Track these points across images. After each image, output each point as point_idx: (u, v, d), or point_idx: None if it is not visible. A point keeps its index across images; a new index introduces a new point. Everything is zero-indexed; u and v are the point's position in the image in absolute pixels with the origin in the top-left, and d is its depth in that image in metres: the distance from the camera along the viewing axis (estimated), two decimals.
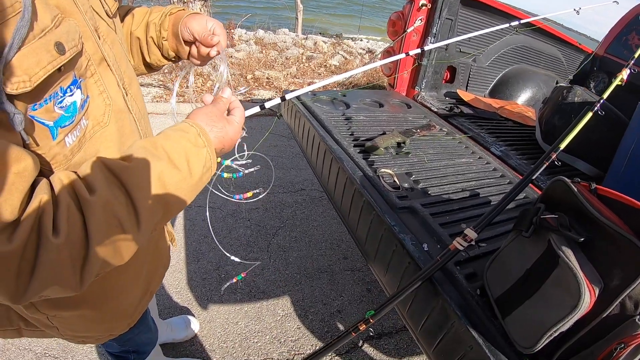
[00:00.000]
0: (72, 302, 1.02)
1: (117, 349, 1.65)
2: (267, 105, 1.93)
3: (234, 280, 1.42)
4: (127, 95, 1.00)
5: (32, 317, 1.05)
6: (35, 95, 0.66)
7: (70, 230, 0.63)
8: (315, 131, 2.03)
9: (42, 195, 0.62)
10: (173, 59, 1.29)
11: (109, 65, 0.91)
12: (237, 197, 1.17)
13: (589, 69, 4.15)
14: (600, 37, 4.28)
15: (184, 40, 1.19)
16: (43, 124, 0.70)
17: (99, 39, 0.89)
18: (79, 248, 0.65)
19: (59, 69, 0.69)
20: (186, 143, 0.81)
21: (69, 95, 0.74)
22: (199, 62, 1.24)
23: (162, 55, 1.27)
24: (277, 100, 2.11)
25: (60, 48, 0.67)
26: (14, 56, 0.60)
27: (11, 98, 0.62)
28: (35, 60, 0.63)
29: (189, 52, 1.23)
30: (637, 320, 0.95)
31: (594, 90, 3.89)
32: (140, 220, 0.72)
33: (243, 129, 1.01)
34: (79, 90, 0.77)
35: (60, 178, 0.67)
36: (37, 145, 0.71)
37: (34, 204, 0.61)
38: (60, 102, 0.72)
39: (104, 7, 0.97)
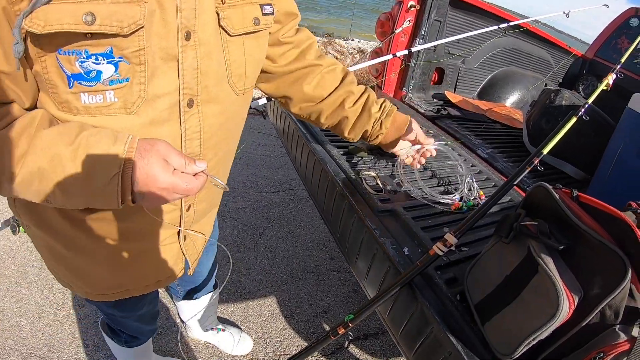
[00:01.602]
0: (43, 224, 1.06)
1: (110, 323, 1.67)
2: (253, 105, 1.93)
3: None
4: (189, 107, 0.95)
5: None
6: (53, 42, 0.75)
7: None
8: (300, 132, 2.01)
9: None
10: (370, 144, 1.64)
11: (178, 69, 0.89)
12: None
13: (579, 72, 4.16)
14: (590, 40, 4.30)
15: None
16: (62, 69, 0.78)
17: (187, 40, 0.88)
18: None
19: (85, 35, 0.75)
20: (106, 147, 0.79)
21: (94, 62, 0.79)
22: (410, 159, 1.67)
23: (365, 138, 1.56)
24: (264, 101, 2.11)
25: (89, 19, 0.73)
26: (40, 7, 0.70)
27: (36, 37, 0.73)
28: (56, 17, 0.71)
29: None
30: (617, 329, 0.95)
31: (583, 93, 3.91)
32: (21, 172, 0.77)
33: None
34: (111, 65, 0.81)
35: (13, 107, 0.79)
36: (54, 84, 0.80)
37: None
38: (82, 62, 0.78)
39: (220, 23, 0.95)
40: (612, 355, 0.93)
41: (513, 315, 1.05)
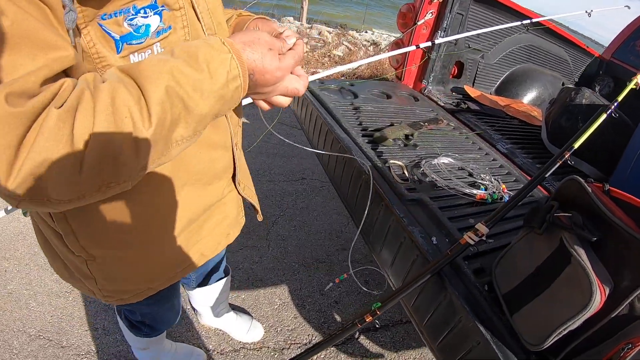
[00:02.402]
0: (114, 240, 1.03)
1: (134, 317, 1.65)
2: None
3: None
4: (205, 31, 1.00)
5: (73, 260, 1.06)
6: (104, 3, 0.72)
7: (72, 104, 0.63)
8: (323, 119, 2.01)
9: (67, 80, 0.65)
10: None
11: (196, 13, 0.92)
12: None
13: (595, 73, 4.15)
14: (603, 41, 4.28)
15: None
16: (110, 34, 0.76)
17: None
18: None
19: None
20: (206, 48, 0.75)
21: (142, 16, 0.79)
22: None
23: None
24: None
25: None
26: None
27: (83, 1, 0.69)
28: None
29: None
30: None
31: (599, 93, 3.89)
32: (151, 113, 0.68)
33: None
34: (157, 16, 0.81)
35: (85, 75, 0.69)
36: (103, 55, 0.76)
37: (56, 84, 0.63)
38: (131, 19, 0.77)
39: None
40: None
41: (544, 306, 1.06)
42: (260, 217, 1.52)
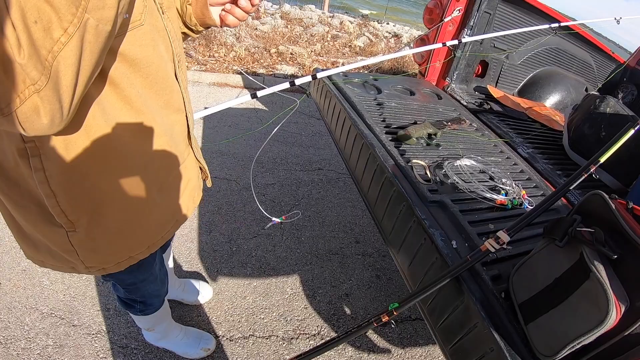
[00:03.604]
0: (94, 204, 1.04)
1: (123, 293, 1.64)
2: (297, 82, 1.92)
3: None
4: (162, 15, 1.05)
5: (54, 234, 1.05)
6: None
7: None
8: (347, 114, 2.01)
9: None
10: (193, 29, 1.31)
11: None
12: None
13: (619, 80, 4.09)
14: (625, 43, 4.22)
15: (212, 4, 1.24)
16: None
17: None
18: None
19: None
20: None
21: None
22: (229, 23, 1.28)
23: (184, 22, 1.28)
24: (308, 78, 2.10)
25: None
26: None
27: None
28: None
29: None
30: None
31: (622, 101, 3.85)
32: None
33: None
34: None
35: None
36: None
37: None
38: None
39: None
40: None
41: (559, 318, 1.06)
42: (209, 183, 1.54)
